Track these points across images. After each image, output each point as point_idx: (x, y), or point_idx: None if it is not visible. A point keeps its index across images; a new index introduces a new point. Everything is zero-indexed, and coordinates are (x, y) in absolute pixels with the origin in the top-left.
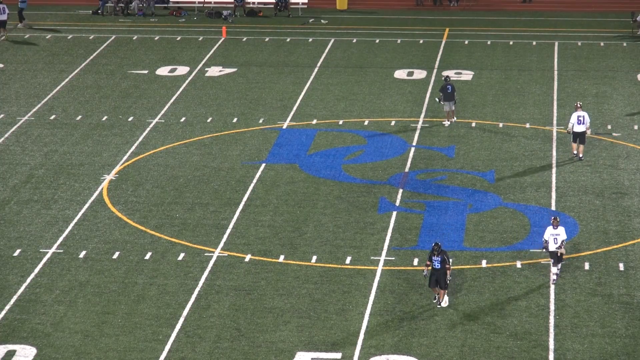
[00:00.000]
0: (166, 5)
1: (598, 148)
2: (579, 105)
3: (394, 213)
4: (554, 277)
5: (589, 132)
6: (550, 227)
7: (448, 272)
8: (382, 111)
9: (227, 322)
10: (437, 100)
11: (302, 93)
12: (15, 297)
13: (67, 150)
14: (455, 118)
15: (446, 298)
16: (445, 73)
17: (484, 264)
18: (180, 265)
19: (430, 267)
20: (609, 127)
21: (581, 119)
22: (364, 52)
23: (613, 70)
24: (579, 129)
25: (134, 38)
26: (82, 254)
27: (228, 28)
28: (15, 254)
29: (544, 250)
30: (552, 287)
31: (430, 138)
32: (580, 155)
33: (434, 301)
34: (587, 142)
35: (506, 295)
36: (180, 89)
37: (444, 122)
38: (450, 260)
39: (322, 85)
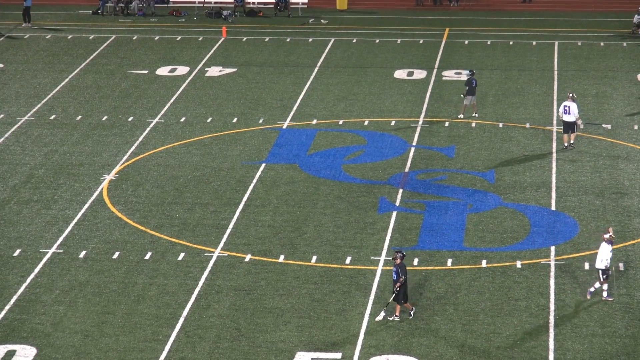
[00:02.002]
0: (166, 4)
1: (598, 148)
2: (569, 96)
3: (394, 213)
4: (606, 293)
5: (579, 122)
6: (606, 243)
7: (397, 285)
8: (382, 111)
9: (227, 322)
10: (462, 95)
11: (302, 93)
12: (15, 297)
13: (67, 150)
14: (476, 114)
15: (382, 314)
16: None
17: (484, 264)
18: (180, 265)
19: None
20: (609, 127)
21: (567, 109)
22: (364, 52)
23: (613, 70)
24: (567, 118)
25: (134, 38)
26: (82, 254)
27: (228, 28)
28: (15, 254)
29: (605, 271)
30: (553, 287)
31: (430, 138)
32: (572, 142)
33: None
34: (587, 142)
35: (506, 295)
36: (180, 89)
37: (460, 115)
38: (402, 276)
39: (322, 85)
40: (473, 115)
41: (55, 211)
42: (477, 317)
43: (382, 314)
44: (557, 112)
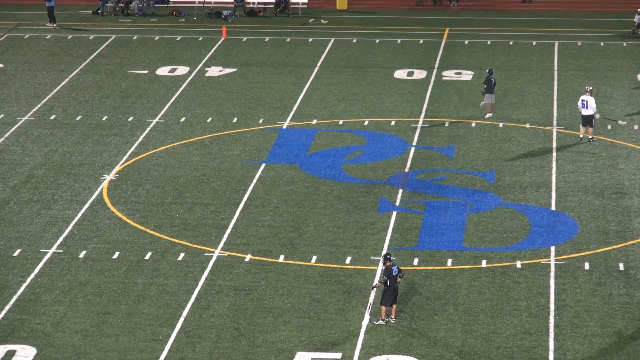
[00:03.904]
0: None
1: (598, 148)
2: (587, 90)
3: (394, 213)
4: None
5: (597, 116)
6: None
7: (374, 285)
8: (382, 111)
9: (227, 322)
10: (481, 92)
11: (302, 93)
12: (15, 297)
13: (67, 150)
14: (491, 113)
15: (367, 317)
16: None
17: (484, 264)
18: (180, 265)
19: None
20: (609, 127)
21: (585, 102)
22: (364, 52)
23: (613, 70)
24: (585, 112)
25: (134, 38)
26: (82, 254)
27: (228, 28)
28: (15, 254)
29: None
30: (553, 287)
31: (430, 138)
32: (590, 137)
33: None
34: (588, 142)
35: (506, 295)
36: (180, 89)
37: (487, 115)
38: (384, 278)
39: (322, 85)
40: (489, 115)
41: (55, 211)
42: (477, 317)
43: (367, 317)
44: (577, 105)
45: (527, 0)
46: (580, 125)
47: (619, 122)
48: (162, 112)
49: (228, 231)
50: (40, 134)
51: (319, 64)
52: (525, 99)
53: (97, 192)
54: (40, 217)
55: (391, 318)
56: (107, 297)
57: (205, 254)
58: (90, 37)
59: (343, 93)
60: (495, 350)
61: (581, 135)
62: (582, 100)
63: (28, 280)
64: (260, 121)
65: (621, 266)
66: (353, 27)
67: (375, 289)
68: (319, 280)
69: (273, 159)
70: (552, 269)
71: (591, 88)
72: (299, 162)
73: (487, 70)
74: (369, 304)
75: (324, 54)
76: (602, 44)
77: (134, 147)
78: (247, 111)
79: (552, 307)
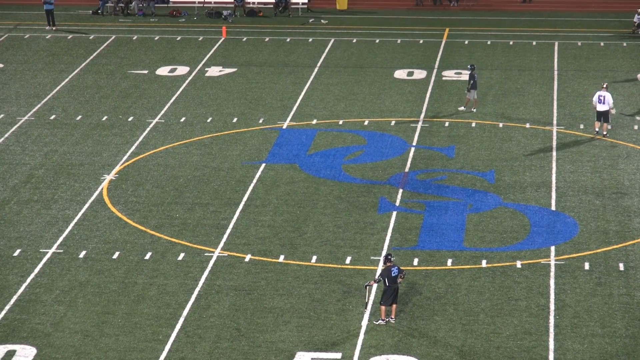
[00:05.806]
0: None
1: (598, 148)
2: (603, 85)
3: (394, 213)
4: None
5: (613, 111)
6: None
7: (366, 284)
8: (382, 111)
9: (227, 322)
10: (467, 90)
11: (302, 93)
12: (15, 297)
13: (67, 150)
14: (474, 109)
15: (367, 316)
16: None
17: (484, 264)
18: (180, 265)
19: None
20: (609, 127)
21: (602, 98)
22: (364, 52)
23: (613, 70)
24: (601, 108)
25: (134, 38)
26: (82, 254)
27: (228, 28)
28: (15, 254)
29: None
30: (553, 287)
31: (430, 138)
32: (604, 133)
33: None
34: (588, 142)
35: (506, 295)
36: (180, 89)
37: (460, 108)
38: (379, 280)
39: (322, 85)
40: (472, 110)
41: (55, 211)
42: (477, 317)
43: (367, 315)
44: (593, 101)
45: (527, 0)
46: (596, 120)
47: (624, 115)
48: (162, 112)
49: (228, 231)
50: (40, 134)
51: (319, 64)
52: (525, 99)
53: (97, 192)
54: (40, 217)
55: (391, 318)
56: (107, 297)
57: (205, 254)
58: (90, 37)
59: (343, 93)
60: (495, 350)
61: (597, 129)
62: (599, 96)
63: (28, 280)
64: (260, 121)
65: (621, 266)
66: (353, 27)
67: (368, 287)
68: (319, 280)
69: (273, 159)
70: (552, 269)
71: (607, 84)
72: (299, 162)
73: (469, 66)
74: (366, 302)
75: (324, 54)
76: (602, 44)
77: (134, 147)
78: (247, 111)
79: (552, 307)
